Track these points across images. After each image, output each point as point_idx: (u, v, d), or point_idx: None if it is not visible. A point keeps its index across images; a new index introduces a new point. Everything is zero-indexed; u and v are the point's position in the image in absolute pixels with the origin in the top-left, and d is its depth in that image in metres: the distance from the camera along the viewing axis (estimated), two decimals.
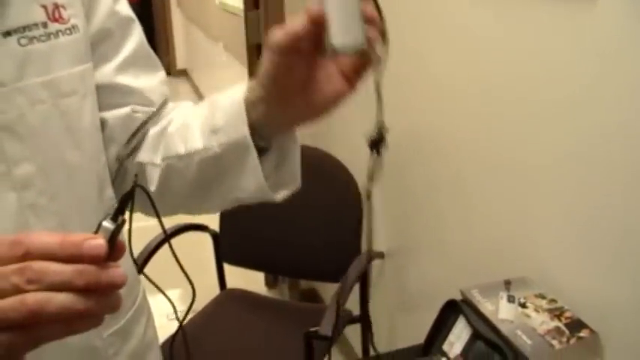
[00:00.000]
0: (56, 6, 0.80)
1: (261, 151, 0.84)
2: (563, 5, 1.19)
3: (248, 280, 2.69)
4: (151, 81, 0.97)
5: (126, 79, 0.93)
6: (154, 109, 0.97)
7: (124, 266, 0.55)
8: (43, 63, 0.79)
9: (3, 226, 0.76)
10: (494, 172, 1.50)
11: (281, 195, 0.90)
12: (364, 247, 2.15)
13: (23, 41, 0.76)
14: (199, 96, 7.16)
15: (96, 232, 0.55)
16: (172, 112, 0.99)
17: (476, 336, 1.22)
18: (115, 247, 0.55)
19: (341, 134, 2.54)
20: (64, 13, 0.81)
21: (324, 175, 2.21)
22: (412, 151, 1.93)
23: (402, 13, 1.86)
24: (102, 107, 0.91)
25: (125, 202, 0.57)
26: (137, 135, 0.96)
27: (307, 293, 3.12)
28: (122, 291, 0.95)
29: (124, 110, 0.93)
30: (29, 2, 0.77)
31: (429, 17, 1.72)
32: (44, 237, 0.53)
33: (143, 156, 0.95)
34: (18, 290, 0.51)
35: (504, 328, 1.18)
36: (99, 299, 0.54)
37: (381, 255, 2.21)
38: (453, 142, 1.68)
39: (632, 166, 1.09)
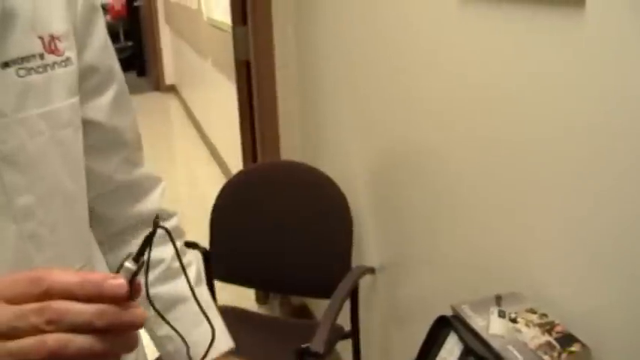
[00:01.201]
0: (52, 38, 0.80)
1: None
2: (551, 12, 1.20)
3: (239, 296, 2.68)
4: (131, 121, 0.99)
5: (114, 120, 0.94)
6: (128, 152, 0.99)
7: None
8: (42, 94, 0.79)
9: (3, 257, 0.76)
10: (484, 187, 1.51)
11: None
12: (355, 262, 2.15)
13: (22, 72, 0.76)
14: (188, 111, 7.16)
15: (117, 271, 0.54)
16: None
17: (467, 351, 1.21)
18: (133, 287, 0.54)
19: (331, 150, 2.54)
20: (60, 45, 0.81)
21: (314, 191, 2.21)
22: (403, 166, 1.94)
23: (392, 32, 1.87)
24: (92, 149, 0.92)
25: (148, 243, 0.56)
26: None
27: (298, 309, 3.11)
28: None
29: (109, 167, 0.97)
30: (27, 34, 0.77)
31: (416, 31, 1.73)
32: (65, 275, 0.52)
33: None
34: (37, 330, 0.50)
35: (495, 344, 1.18)
36: (117, 340, 0.53)
37: (372, 270, 2.21)
38: (443, 158, 1.68)
39: (623, 179, 1.09)
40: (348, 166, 2.33)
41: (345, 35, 2.25)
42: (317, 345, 1.71)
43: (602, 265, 1.16)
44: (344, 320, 2.05)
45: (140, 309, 0.54)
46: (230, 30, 3.37)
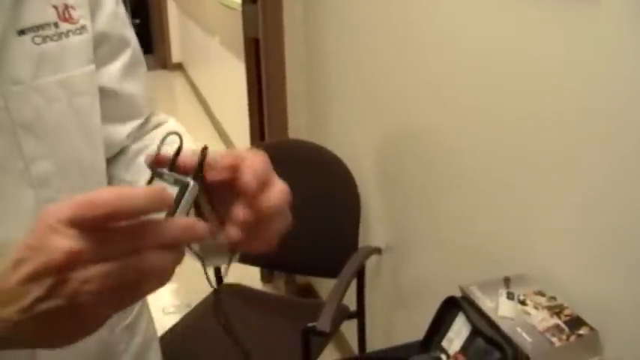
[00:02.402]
0: (66, 7, 0.81)
1: None
2: (566, 5, 1.18)
3: (243, 274, 2.67)
4: (144, 89, 0.99)
5: (126, 87, 0.95)
6: (142, 120, 0.99)
7: None
8: (57, 62, 0.80)
9: (21, 223, 0.77)
10: (492, 169, 1.50)
11: (213, 264, 0.94)
12: (361, 242, 2.14)
13: (37, 40, 0.78)
14: (195, 89, 7.14)
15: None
16: (154, 132, 1.01)
17: (475, 333, 1.21)
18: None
19: (338, 130, 2.54)
20: (74, 14, 0.83)
21: (321, 169, 2.20)
22: (410, 146, 1.93)
23: (399, 12, 1.85)
24: (106, 116, 0.92)
25: (203, 161, 0.58)
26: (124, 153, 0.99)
27: (303, 288, 3.12)
28: None
29: (122, 131, 0.95)
30: (41, 2, 0.79)
31: (426, 15, 1.71)
32: (132, 197, 0.52)
33: (115, 170, 0.97)
34: (134, 251, 0.52)
35: (504, 325, 1.18)
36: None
37: (378, 250, 2.21)
38: (451, 139, 1.67)
39: (632, 165, 1.08)
40: (355, 146, 2.33)
41: (353, 15, 2.23)
42: (323, 324, 1.71)
43: (610, 248, 1.16)
44: (348, 300, 2.05)
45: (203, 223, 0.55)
46: (238, 8, 3.35)
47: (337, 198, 2.17)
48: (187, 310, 2.22)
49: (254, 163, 0.59)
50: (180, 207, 0.56)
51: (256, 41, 2.97)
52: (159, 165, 0.58)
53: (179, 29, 8.18)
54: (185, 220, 0.54)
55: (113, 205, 0.50)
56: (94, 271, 0.50)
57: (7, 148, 0.76)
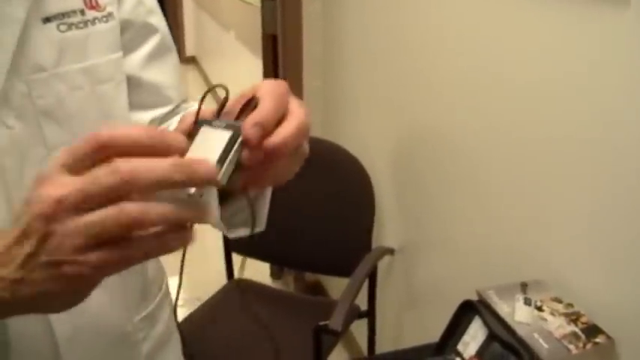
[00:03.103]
0: None
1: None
2: (594, 7, 1.18)
3: (253, 270, 2.68)
4: (173, 77, 0.99)
5: (150, 75, 0.94)
6: (170, 108, 0.98)
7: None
8: (81, 49, 0.80)
9: None
10: (509, 173, 1.49)
11: (237, 233, 0.86)
12: (374, 242, 2.14)
13: (62, 27, 0.78)
14: (208, 83, 7.15)
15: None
16: (177, 116, 1.00)
17: (492, 337, 1.21)
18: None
19: (353, 127, 2.53)
20: (100, 1, 0.83)
21: (336, 168, 2.20)
22: (426, 147, 1.93)
23: (416, 14, 1.85)
24: (131, 103, 0.92)
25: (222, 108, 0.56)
26: None
27: (312, 286, 3.12)
28: (150, 275, 0.95)
29: (145, 117, 0.95)
30: None
31: (444, 18, 1.71)
32: (127, 131, 0.50)
33: None
34: (114, 195, 0.47)
35: (521, 331, 1.17)
36: (191, 210, 0.50)
37: (391, 251, 2.20)
38: (467, 141, 1.67)
39: None
40: (370, 145, 2.32)
41: (370, 15, 2.23)
42: (335, 323, 1.71)
43: (627, 256, 1.16)
44: (359, 299, 2.04)
45: (209, 163, 0.50)
46: (255, 3, 3.35)
47: (352, 197, 2.17)
48: (197, 303, 2.22)
49: (268, 90, 0.56)
50: (231, 155, 0.52)
51: (274, 37, 2.96)
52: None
53: (194, 22, 8.18)
54: (176, 158, 0.49)
55: (109, 138, 0.49)
56: (76, 222, 0.48)
57: (31, 136, 0.77)
